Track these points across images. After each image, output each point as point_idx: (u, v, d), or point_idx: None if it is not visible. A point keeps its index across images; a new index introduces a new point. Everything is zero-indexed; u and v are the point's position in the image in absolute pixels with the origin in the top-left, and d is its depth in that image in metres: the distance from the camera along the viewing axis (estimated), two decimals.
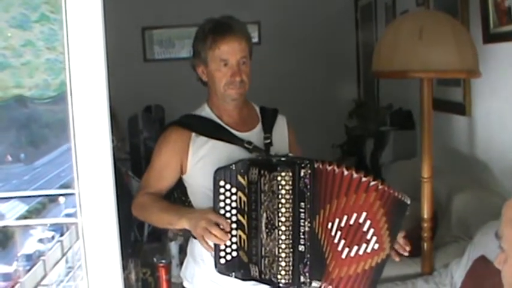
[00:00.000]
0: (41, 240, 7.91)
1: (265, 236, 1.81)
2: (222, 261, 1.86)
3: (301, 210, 1.78)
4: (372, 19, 5.34)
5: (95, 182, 1.53)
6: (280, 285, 1.80)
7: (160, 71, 5.94)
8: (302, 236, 1.78)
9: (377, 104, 5.30)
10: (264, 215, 1.80)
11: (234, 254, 1.86)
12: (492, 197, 2.74)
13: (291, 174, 1.76)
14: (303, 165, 1.77)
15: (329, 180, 1.80)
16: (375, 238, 1.80)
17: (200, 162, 1.98)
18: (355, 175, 1.79)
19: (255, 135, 2.03)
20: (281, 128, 2.11)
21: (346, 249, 1.80)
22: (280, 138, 2.08)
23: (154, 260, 2.84)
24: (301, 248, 1.78)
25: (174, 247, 3.11)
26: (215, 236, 1.80)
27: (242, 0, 5.09)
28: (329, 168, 1.80)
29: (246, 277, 1.87)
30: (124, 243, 1.66)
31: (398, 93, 4.50)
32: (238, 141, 1.99)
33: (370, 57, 2.73)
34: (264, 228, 1.81)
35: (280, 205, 1.76)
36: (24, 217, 8.06)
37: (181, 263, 2.31)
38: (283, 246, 1.77)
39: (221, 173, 1.85)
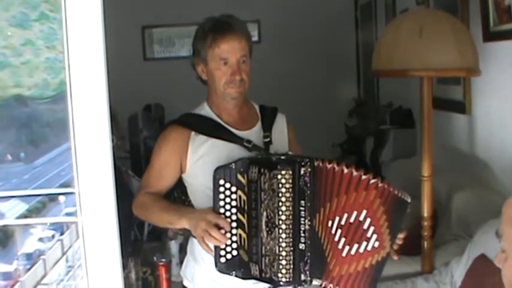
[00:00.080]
0: (41, 239, 7.92)
1: (265, 235, 1.81)
2: (223, 260, 1.86)
3: (302, 208, 1.78)
4: (371, 18, 5.33)
5: (95, 181, 1.53)
6: (281, 283, 1.80)
7: (160, 69, 5.93)
8: (302, 234, 1.78)
9: (377, 102, 5.30)
10: (264, 213, 1.80)
11: (235, 252, 1.86)
12: (492, 195, 2.74)
13: (291, 172, 1.76)
14: (302, 163, 1.77)
15: (329, 178, 1.80)
16: (375, 236, 1.80)
17: (200, 161, 1.98)
18: (355, 173, 1.79)
19: (254, 133, 2.03)
20: (281, 126, 2.11)
21: (347, 247, 1.80)
22: (279, 137, 2.07)
23: (155, 259, 2.84)
24: (301, 246, 1.78)
25: (174, 246, 3.11)
26: (214, 237, 1.80)
27: None
28: (329, 166, 1.80)
29: (247, 276, 1.87)
30: (124, 242, 1.67)
31: (398, 91, 4.50)
32: (237, 140, 1.98)
33: (370, 56, 2.73)
34: (264, 226, 1.81)
35: (280, 203, 1.76)
36: (24, 216, 8.07)
37: (181, 262, 2.31)
38: (283, 244, 1.77)
39: (221, 172, 1.85)
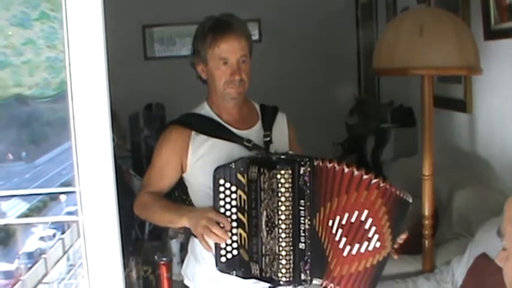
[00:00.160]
0: (42, 238, 7.91)
1: (265, 234, 1.81)
2: (223, 259, 1.87)
3: (301, 208, 1.78)
4: (372, 16, 5.33)
5: (96, 180, 1.53)
6: (281, 283, 1.80)
7: (161, 69, 5.93)
8: (302, 234, 1.78)
9: (378, 101, 5.30)
10: (264, 213, 1.80)
11: (235, 252, 1.86)
12: (493, 194, 2.74)
13: (290, 172, 1.76)
14: (302, 162, 1.77)
15: (329, 177, 1.79)
16: (376, 236, 1.79)
17: (200, 160, 1.98)
18: (356, 172, 1.78)
19: (254, 133, 2.03)
20: (281, 125, 2.11)
21: (348, 247, 1.80)
22: (280, 136, 2.07)
23: (155, 258, 2.84)
24: (301, 245, 1.78)
25: (175, 245, 3.12)
26: (215, 235, 1.80)
27: None
28: (329, 165, 1.79)
29: (247, 275, 1.87)
30: (125, 241, 1.67)
31: (399, 90, 4.49)
32: (237, 140, 1.98)
33: (370, 54, 2.72)
34: (264, 226, 1.81)
35: (279, 203, 1.76)
36: (25, 215, 8.07)
37: (182, 261, 2.31)
38: (283, 244, 1.77)
39: (221, 172, 1.85)
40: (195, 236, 1.93)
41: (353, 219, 1.79)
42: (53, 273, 6.07)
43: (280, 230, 1.77)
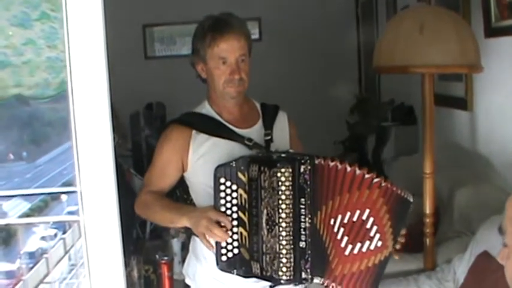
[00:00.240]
0: (43, 238, 7.93)
1: (266, 233, 1.81)
2: (224, 258, 1.87)
3: (302, 206, 1.78)
4: (372, 15, 5.33)
5: (97, 179, 1.53)
6: (282, 281, 1.80)
7: (161, 68, 5.94)
8: (303, 232, 1.78)
9: (378, 99, 5.30)
10: (265, 211, 1.80)
11: (236, 251, 1.86)
12: (494, 191, 2.73)
13: (290, 170, 1.76)
14: (302, 161, 1.77)
15: (331, 176, 1.79)
16: (378, 235, 1.79)
17: (201, 159, 1.98)
18: (358, 171, 1.78)
19: (255, 131, 2.03)
20: (282, 124, 2.11)
21: (350, 246, 1.80)
22: (281, 135, 2.07)
23: (157, 257, 2.85)
24: (302, 244, 1.78)
25: (176, 244, 3.12)
26: (216, 234, 1.81)
27: None
28: (331, 164, 1.79)
29: (248, 274, 1.87)
30: (126, 240, 1.67)
31: (399, 88, 4.49)
32: (238, 138, 1.98)
33: (371, 53, 2.72)
34: (264, 225, 1.81)
35: (280, 201, 1.76)
36: (26, 215, 8.08)
37: (183, 260, 2.31)
38: (284, 242, 1.77)
39: (221, 170, 1.85)
40: (196, 235, 1.94)
41: (355, 218, 1.79)
42: (54, 273, 6.08)
43: (281, 229, 1.77)
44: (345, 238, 1.80)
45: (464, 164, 3.29)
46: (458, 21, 2.59)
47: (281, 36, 5.83)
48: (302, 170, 1.77)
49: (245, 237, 1.85)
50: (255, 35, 5.74)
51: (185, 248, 2.59)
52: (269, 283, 1.86)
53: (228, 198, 1.85)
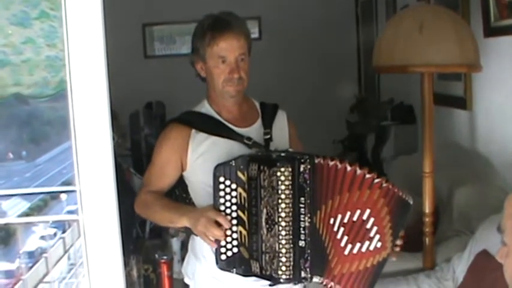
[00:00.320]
0: (43, 238, 7.92)
1: (265, 232, 1.81)
2: (223, 257, 1.87)
3: (301, 205, 1.78)
4: (372, 14, 5.33)
5: (96, 179, 1.53)
6: (281, 280, 1.80)
7: (161, 67, 5.93)
8: (302, 232, 1.78)
9: (378, 99, 5.29)
10: (264, 210, 1.80)
11: (235, 250, 1.86)
12: (493, 191, 2.74)
13: (290, 169, 1.76)
14: (302, 160, 1.77)
15: (331, 175, 1.79)
16: (378, 236, 1.79)
17: (200, 158, 1.98)
18: (358, 171, 1.78)
19: (254, 130, 2.03)
20: (281, 123, 2.10)
21: (349, 246, 1.80)
22: (280, 134, 2.07)
23: (156, 256, 2.84)
24: (301, 243, 1.78)
25: (175, 243, 3.12)
26: (214, 233, 1.81)
27: None
28: (331, 163, 1.79)
29: (247, 273, 1.87)
30: (126, 239, 1.67)
31: (399, 87, 4.49)
32: (237, 137, 1.98)
33: (370, 52, 2.72)
34: (264, 224, 1.81)
35: (280, 200, 1.76)
36: (26, 214, 8.07)
37: (183, 259, 2.31)
38: (283, 241, 1.77)
39: (221, 169, 1.85)
40: (195, 234, 1.94)
41: (355, 218, 1.79)
42: (53, 272, 6.08)
43: (280, 228, 1.77)
44: (345, 238, 1.80)
45: (463, 163, 3.29)
46: (458, 20, 2.60)
47: (281, 36, 5.83)
48: (302, 169, 1.77)
49: (244, 236, 1.85)
50: (254, 34, 5.74)
51: (185, 247, 2.59)
52: (268, 282, 1.86)
53: (228, 197, 1.85)
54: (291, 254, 1.77)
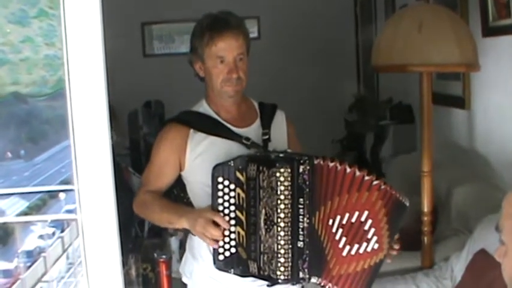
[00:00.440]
0: (41, 237, 7.92)
1: (264, 233, 1.80)
2: (221, 257, 1.86)
3: (300, 206, 1.78)
4: (371, 13, 5.33)
5: (95, 178, 1.52)
6: (279, 281, 1.80)
7: (160, 66, 5.93)
8: (301, 232, 1.78)
9: (377, 98, 5.30)
10: (263, 211, 1.80)
11: (233, 250, 1.86)
12: (492, 190, 2.74)
13: (289, 170, 1.76)
14: (301, 161, 1.77)
15: (330, 176, 1.79)
16: (375, 238, 1.80)
17: (198, 158, 1.98)
18: (358, 173, 1.78)
19: (253, 131, 2.02)
20: (280, 123, 2.10)
21: (347, 247, 1.80)
22: (278, 134, 2.07)
23: (155, 255, 2.84)
24: (300, 244, 1.78)
25: (174, 242, 3.12)
26: (212, 234, 1.81)
27: None
28: (331, 164, 1.79)
29: (245, 273, 1.87)
30: (125, 238, 1.67)
31: (398, 87, 4.49)
32: (236, 137, 1.98)
33: (369, 51, 2.72)
34: (262, 224, 1.81)
35: (279, 201, 1.76)
36: (24, 213, 8.07)
37: (181, 258, 2.31)
38: (282, 242, 1.77)
39: (219, 170, 1.85)
40: (193, 234, 1.94)
41: (353, 219, 1.79)
42: (52, 271, 6.08)
43: (279, 228, 1.77)
44: (343, 239, 1.80)
45: (462, 162, 3.30)
46: (456, 20, 2.60)
47: (280, 35, 5.83)
48: (301, 170, 1.77)
49: (242, 237, 1.85)
50: (253, 33, 5.73)
51: (183, 246, 2.59)
52: (266, 282, 1.86)
53: (226, 197, 1.85)
54: (290, 255, 1.77)
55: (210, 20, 1.97)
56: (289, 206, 1.77)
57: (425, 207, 2.61)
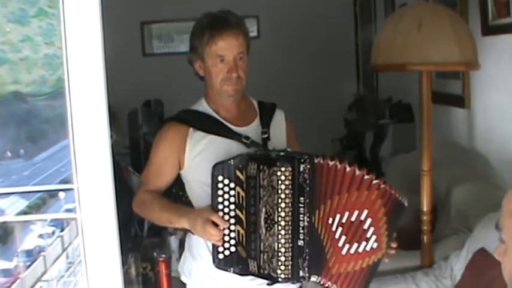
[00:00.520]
0: (41, 236, 7.90)
1: (264, 231, 1.80)
2: (220, 256, 1.87)
3: (301, 205, 1.78)
4: (371, 12, 5.33)
5: (94, 177, 1.52)
6: (280, 279, 1.80)
7: (159, 65, 5.92)
8: (301, 231, 1.78)
9: (376, 97, 5.30)
10: (263, 210, 1.80)
11: (233, 249, 1.86)
12: (491, 189, 2.74)
13: (290, 169, 1.76)
14: (302, 160, 1.77)
15: (330, 175, 1.79)
16: (374, 237, 1.80)
17: (197, 157, 1.97)
18: (358, 172, 1.78)
19: (252, 129, 2.02)
20: (279, 122, 2.10)
21: (347, 246, 1.80)
22: (278, 133, 2.07)
23: (155, 254, 2.84)
24: (300, 242, 1.78)
25: (174, 241, 3.12)
26: (211, 233, 1.81)
27: None
28: (331, 163, 1.79)
29: (244, 272, 1.88)
30: (124, 238, 1.67)
31: (397, 86, 4.50)
32: (235, 136, 1.98)
33: (369, 50, 2.73)
34: (263, 223, 1.80)
35: (279, 200, 1.76)
36: (24, 212, 8.06)
37: (181, 257, 2.31)
38: (282, 241, 1.77)
39: (219, 168, 1.85)
40: (192, 233, 1.94)
41: (353, 218, 1.79)
42: (52, 270, 6.08)
43: (280, 227, 1.77)
44: (343, 238, 1.80)
45: (461, 161, 3.30)
46: (456, 19, 2.60)
47: (279, 34, 5.83)
48: (302, 169, 1.77)
49: (242, 236, 1.85)
50: (253, 32, 5.73)
51: (183, 246, 2.59)
52: (265, 281, 1.86)
53: (226, 196, 1.85)
54: (290, 253, 1.77)
55: (210, 19, 1.97)
56: (289, 204, 1.77)
57: (425, 206, 2.61)
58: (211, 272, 1.96)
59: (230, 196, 1.85)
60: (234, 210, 1.85)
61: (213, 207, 1.85)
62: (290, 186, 1.76)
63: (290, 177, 1.76)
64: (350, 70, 6.04)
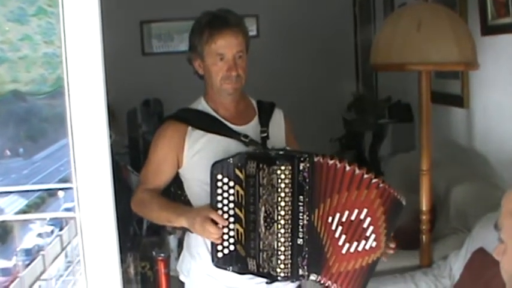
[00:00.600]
0: (40, 235, 7.89)
1: (263, 230, 1.80)
2: (219, 255, 1.87)
3: (300, 203, 1.78)
4: (370, 12, 5.33)
5: (93, 176, 1.52)
6: (279, 278, 1.80)
7: (158, 64, 5.92)
8: (301, 230, 1.78)
9: (375, 97, 5.30)
10: (263, 208, 1.80)
11: (232, 247, 1.86)
12: (490, 188, 2.74)
13: (290, 168, 1.76)
14: (302, 159, 1.77)
15: (330, 174, 1.80)
16: (373, 236, 1.80)
17: (196, 156, 1.97)
18: (357, 171, 1.79)
19: (251, 128, 2.02)
20: (278, 121, 2.10)
21: (347, 245, 1.81)
22: (277, 132, 2.07)
23: (153, 253, 2.84)
24: (299, 241, 1.79)
25: (173, 241, 3.12)
26: (210, 232, 1.81)
27: None
28: (330, 162, 1.79)
29: (243, 271, 1.88)
30: (123, 237, 1.67)
31: (396, 86, 4.49)
32: (234, 135, 1.98)
33: (368, 50, 2.73)
34: (262, 222, 1.80)
35: (279, 199, 1.76)
36: (23, 211, 8.05)
37: (180, 256, 2.31)
38: (282, 239, 1.77)
39: (218, 167, 1.85)
40: (191, 232, 1.94)
41: (353, 217, 1.80)
42: (51, 270, 6.08)
43: (279, 226, 1.77)
44: (343, 236, 1.80)
45: (461, 161, 3.30)
46: (455, 19, 2.60)
47: (279, 34, 5.82)
48: (301, 167, 1.77)
49: (241, 234, 1.85)
50: (252, 31, 5.73)
51: (182, 245, 2.59)
52: (264, 280, 1.86)
53: (225, 194, 1.85)
54: (289, 252, 1.78)
55: (209, 17, 1.97)
56: (289, 203, 1.77)
57: (424, 206, 2.61)
58: (210, 271, 1.96)
59: (229, 195, 1.85)
60: (233, 208, 1.85)
61: (212, 206, 1.85)
62: (290, 185, 1.76)
63: (290, 176, 1.76)
64: (349, 70, 6.04)
